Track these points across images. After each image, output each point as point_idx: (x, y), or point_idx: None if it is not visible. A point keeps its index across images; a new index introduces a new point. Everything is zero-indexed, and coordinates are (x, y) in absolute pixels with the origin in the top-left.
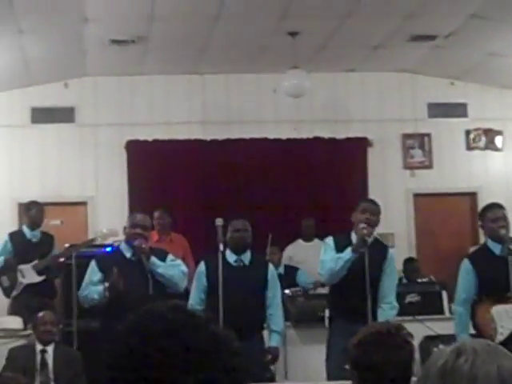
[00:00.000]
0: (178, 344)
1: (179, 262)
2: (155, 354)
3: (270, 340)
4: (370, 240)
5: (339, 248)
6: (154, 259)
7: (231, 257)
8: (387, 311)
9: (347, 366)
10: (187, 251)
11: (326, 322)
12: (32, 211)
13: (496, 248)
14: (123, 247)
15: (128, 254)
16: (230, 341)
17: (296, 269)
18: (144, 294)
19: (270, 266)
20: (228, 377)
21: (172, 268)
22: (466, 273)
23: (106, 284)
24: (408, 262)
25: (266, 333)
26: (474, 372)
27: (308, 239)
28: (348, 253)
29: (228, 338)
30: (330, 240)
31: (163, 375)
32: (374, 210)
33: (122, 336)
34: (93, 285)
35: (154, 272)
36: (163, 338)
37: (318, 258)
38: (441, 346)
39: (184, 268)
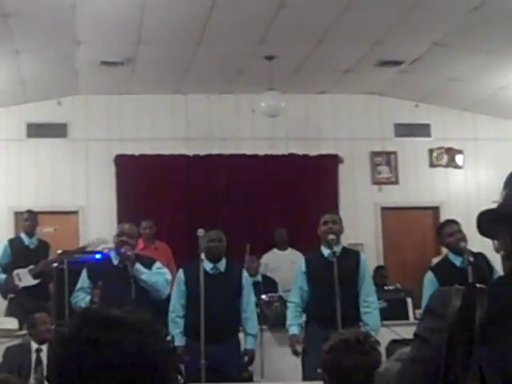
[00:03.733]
0: (100, 362)
1: (165, 270)
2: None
3: (246, 343)
4: (338, 249)
5: (310, 266)
6: (138, 266)
7: (208, 265)
8: (373, 313)
9: (319, 370)
10: (170, 258)
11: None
12: (30, 219)
13: (457, 260)
14: (112, 255)
15: (115, 262)
16: (155, 330)
17: (273, 281)
18: (127, 299)
19: (244, 273)
20: (163, 361)
21: (156, 275)
22: (429, 284)
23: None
24: (377, 269)
25: (241, 335)
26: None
27: (282, 248)
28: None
29: (153, 327)
30: (302, 263)
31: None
32: (334, 219)
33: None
34: (82, 291)
35: (138, 278)
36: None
37: (292, 266)
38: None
39: (168, 276)
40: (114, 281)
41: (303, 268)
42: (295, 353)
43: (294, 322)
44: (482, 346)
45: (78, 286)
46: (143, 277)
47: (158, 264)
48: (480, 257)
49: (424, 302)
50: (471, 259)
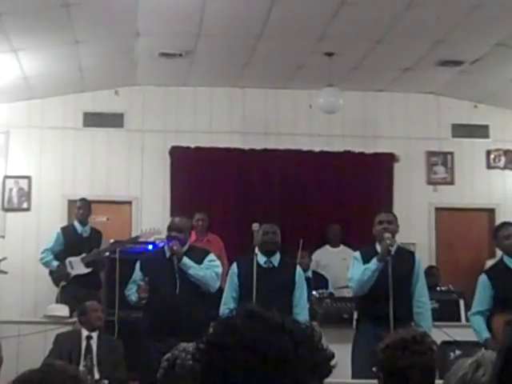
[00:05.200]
0: (255, 357)
1: (217, 263)
2: (233, 369)
3: None
4: (393, 249)
5: (366, 259)
6: (185, 260)
7: (261, 258)
8: (426, 314)
9: (374, 369)
10: (222, 251)
11: (354, 323)
12: (83, 207)
13: None
14: (166, 247)
15: (168, 254)
16: (308, 337)
17: (324, 277)
18: (172, 291)
19: (298, 268)
20: (312, 375)
21: (204, 269)
22: (482, 287)
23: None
24: (429, 269)
25: None
26: None
27: (335, 245)
28: (374, 263)
29: (306, 334)
30: (357, 254)
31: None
32: (389, 219)
33: (204, 351)
34: (134, 284)
35: (186, 273)
36: (240, 352)
37: (343, 264)
38: (459, 356)
39: (218, 269)
40: (163, 274)
41: (361, 263)
42: None
43: None
44: None
45: (132, 278)
46: (190, 271)
47: (210, 256)
48: None
49: (473, 306)
50: None
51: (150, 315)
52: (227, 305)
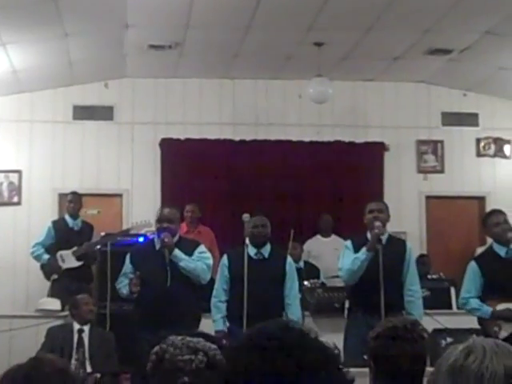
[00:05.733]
0: (292, 362)
1: (207, 255)
2: (271, 370)
3: None
4: (384, 238)
5: (357, 248)
6: (176, 252)
7: (252, 250)
8: (417, 302)
9: (365, 357)
10: (213, 243)
11: (345, 313)
12: (74, 201)
13: (501, 250)
14: (155, 239)
15: (158, 246)
16: (335, 355)
17: (316, 268)
18: (163, 284)
19: (289, 259)
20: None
21: (195, 261)
22: (472, 274)
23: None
24: (420, 257)
25: None
26: (481, 371)
27: (326, 235)
28: (364, 252)
29: (333, 353)
30: (348, 243)
31: None
32: (380, 207)
33: (241, 352)
34: (125, 277)
35: (177, 265)
36: (279, 356)
37: (335, 253)
38: (451, 343)
39: (209, 261)
40: (154, 266)
41: (352, 252)
42: None
43: None
44: None
45: (122, 271)
46: (182, 264)
47: (201, 248)
48: None
49: (463, 292)
50: None
51: (141, 307)
52: (218, 297)
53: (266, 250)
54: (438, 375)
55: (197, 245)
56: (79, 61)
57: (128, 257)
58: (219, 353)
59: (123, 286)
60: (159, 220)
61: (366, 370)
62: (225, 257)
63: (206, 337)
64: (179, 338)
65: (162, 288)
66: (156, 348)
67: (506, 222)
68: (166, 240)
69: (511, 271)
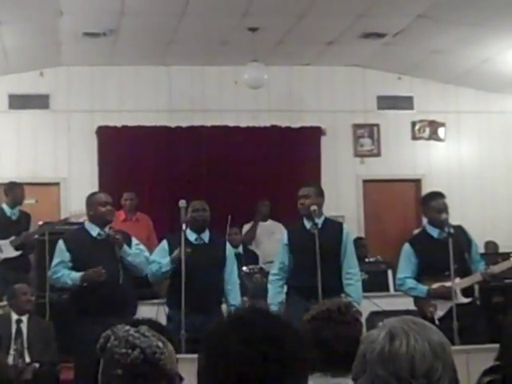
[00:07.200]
0: (275, 349)
1: (142, 247)
2: (256, 357)
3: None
4: (320, 221)
5: (292, 238)
6: (125, 248)
7: (191, 235)
8: (356, 285)
9: None
10: (151, 230)
11: (284, 297)
12: (15, 191)
13: (434, 232)
14: (88, 226)
15: (94, 233)
16: (301, 336)
17: (254, 253)
18: (113, 272)
19: (228, 245)
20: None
21: (139, 256)
22: (406, 255)
23: (81, 274)
24: (357, 240)
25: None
26: (411, 353)
27: (263, 219)
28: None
29: (300, 334)
30: (284, 235)
31: (260, 375)
32: (305, 193)
33: (220, 338)
34: (63, 266)
35: (124, 259)
36: (264, 345)
37: (272, 237)
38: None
39: (147, 254)
40: (97, 253)
41: (285, 240)
42: None
43: (275, 301)
44: None
45: (57, 259)
46: (129, 258)
47: (135, 240)
48: (458, 229)
49: (399, 273)
50: (452, 231)
51: (86, 296)
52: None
53: (206, 235)
54: (365, 364)
55: (129, 237)
56: (13, 49)
57: (62, 244)
58: (161, 350)
59: (66, 275)
60: (102, 204)
61: None
62: (164, 242)
63: (153, 324)
64: (125, 328)
65: (111, 276)
66: (105, 333)
67: (446, 208)
68: (117, 237)
69: (444, 251)
